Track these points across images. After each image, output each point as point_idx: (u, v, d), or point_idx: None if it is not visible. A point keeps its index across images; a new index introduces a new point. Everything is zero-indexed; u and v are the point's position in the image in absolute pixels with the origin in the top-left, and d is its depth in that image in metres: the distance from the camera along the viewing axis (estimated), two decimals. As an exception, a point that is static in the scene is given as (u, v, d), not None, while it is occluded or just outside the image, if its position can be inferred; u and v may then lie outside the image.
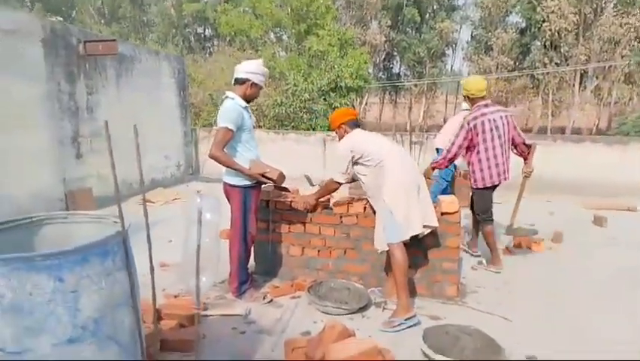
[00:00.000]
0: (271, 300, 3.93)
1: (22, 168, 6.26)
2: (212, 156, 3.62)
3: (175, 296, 3.92)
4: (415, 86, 32.64)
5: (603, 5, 27.35)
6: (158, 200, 7.69)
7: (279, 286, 4.17)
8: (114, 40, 7.57)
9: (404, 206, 3.55)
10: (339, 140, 3.96)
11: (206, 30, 34.17)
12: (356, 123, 3.94)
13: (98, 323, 1.85)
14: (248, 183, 3.75)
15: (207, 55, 24.99)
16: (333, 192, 4.03)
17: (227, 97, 3.78)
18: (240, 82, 3.75)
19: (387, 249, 3.63)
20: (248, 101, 3.82)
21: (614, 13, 26.33)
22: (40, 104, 6.61)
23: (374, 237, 3.75)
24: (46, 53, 6.67)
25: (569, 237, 5.77)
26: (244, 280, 3.94)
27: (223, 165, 3.69)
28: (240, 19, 19.34)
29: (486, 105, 4.64)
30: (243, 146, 3.74)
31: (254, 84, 3.74)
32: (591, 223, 6.57)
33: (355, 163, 3.76)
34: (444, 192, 6.36)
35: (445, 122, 31.88)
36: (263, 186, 4.01)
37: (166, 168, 9.68)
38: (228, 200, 3.85)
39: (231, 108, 3.64)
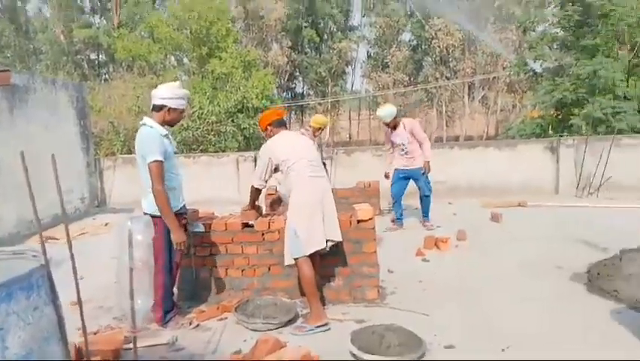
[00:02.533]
0: (198, 325, 3.89)
1: None
2: (156, 191, 3.49)
3: (95, 333, 3.75)
4: (320, 104, 33.53)
5: (484, 22, 30.06)
6: (62, 237, 7.21)
7: (205, 311, 4.12)
8: (7, 70, 7.07)
9: (306, 222, 3.70)
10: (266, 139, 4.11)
11: (100, 56, 32.66)
12: (282, 122, 4.11)
13: (27, 358, 1.79)
14: (174, 210, 3.65)
15: (102, 81, 23.88)
16: (257, 197, 4.18)
17: (144, 124, 3.67)
18: (156, 109, 3.66)
19: (293, 263, 3.78)
20: (170, 126, 3.78)
21: (494, 30, 29.06)
22: None
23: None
24: None
25: (472, 234, 6.27)
26: (169, 309, 3.88)
27: (159, 204, 3.51)
28: (138, 44, 18.79)
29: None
30: (168, 174, 3.62)
31: (172, 109, 3.65)
32: (489, 220, 7.19)
33: (275, 169, 3.94)
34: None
35: (350, 138, 32.76)
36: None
37: (69, 202, 9.10)
38: None
39: (151, 137, 3.55)
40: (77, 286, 2.01)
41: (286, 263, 3.85)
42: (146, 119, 3.70)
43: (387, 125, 6.82)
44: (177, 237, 3.57)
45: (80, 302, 2.03)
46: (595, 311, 3.82)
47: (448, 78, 31.27)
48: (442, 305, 4.10)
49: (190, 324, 3.88)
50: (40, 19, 33.19)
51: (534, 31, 15.20)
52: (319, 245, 3.75)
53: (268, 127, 4.06)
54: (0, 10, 31.22)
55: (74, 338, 3.48)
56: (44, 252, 1.94)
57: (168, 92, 3.64)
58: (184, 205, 3.92)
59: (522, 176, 9.16)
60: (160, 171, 3.49)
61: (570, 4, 14.10)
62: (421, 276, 4.89)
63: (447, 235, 6.11)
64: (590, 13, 13.56)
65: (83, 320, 2.03)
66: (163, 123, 3.68)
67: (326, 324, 3.71)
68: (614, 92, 12.38)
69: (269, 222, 4.26)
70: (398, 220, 7.09)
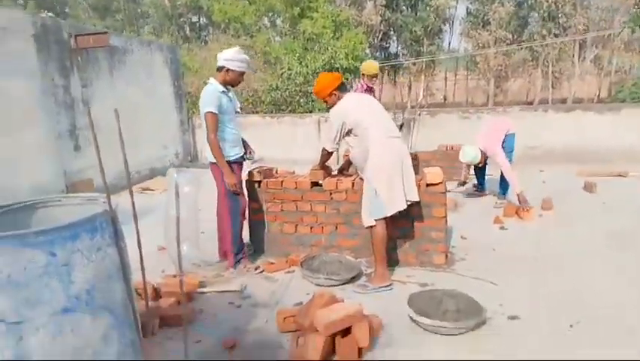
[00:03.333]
0: (263, 270, 4.16)
1: (22, 163, 6.41)
2: (209, 139, 3.92)
3: (174, 276, 4.08)
4: (414, 64, 32.44)
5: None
6: (158, 188, 7.83)
7: (274, 263, 4.32)
8: (105, 32, 7.65)
9: (386, 184, 3.66)
10: (330, 107, 3.94)
11: (201, 19, 33.97)
12: (345, 86, 4.00)
13: (91, 294, 1.98)
14: (228, 160, 3.98)
15: (202, 43, 24.95)
16: (327, 159, 4.22)
17: (206, 83, 4.07)
18: (218, 69, 4.02)
19: (373, 224, 3.74)
20: (232, 86, 4.08)
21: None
22: (36, 100, 6.73)
23: (361, 212, 3.86)
24: (39, 48, 6.77)
25: (559, 204, 5.87)
26: (239, 250, 4.20)
27: (212, 151, 3.95)
28: (233, 6, 19.29)
29: None
30: (223, 127, 3.99)
31: (231, 70, 3.97)
32: (582, 190, 6.66)
33: (346, 133, 3.83)
34: None
35: (445, 99, 31.44)
36: (254, 167, 4.25)
37: (164, 157, 9.81)
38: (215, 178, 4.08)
39: (208, 93, 3.93)
40: (137, 232, 2.18)
41: (366, 225, 3.79)
42: (211, 79, 4.08)
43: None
44: (227, 178, 3.94)
45: (139, 246, 2.21)
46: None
47: (556, 35, 28.68)
48: (514, 276, 3.93)
49: (256, 270, 4.17)
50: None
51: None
52: (401, 206, 3.73)
53: (334, 93, 3.89)
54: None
55: (158, 279, 3.84)
56: (109, 198, 2.12)
57: (229, 55, 3.98)
58: (241, 156, 4.20)
59: (626, 143, 8.32)
60: (213, 121, 3.88)
61: None
62: (495, 245, 4.70)
63: (531, 205, 5.77)
64: None
65: (142, 263, 2.22)
66: (224, 83, 4.02)
67: (389, 285, 3.73)
68: None
69: (336, 182, 4.30)
70: (480, 186, 6.80)
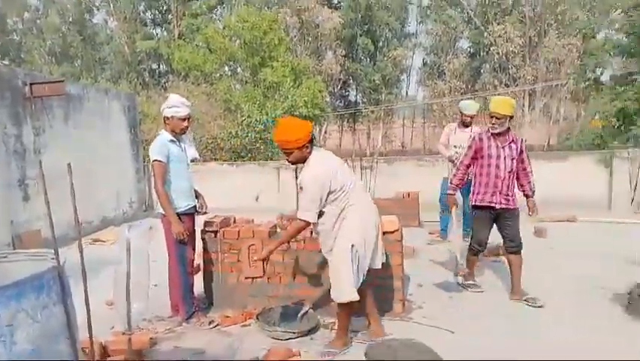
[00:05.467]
0: (217, 325, 4.06)
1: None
2: (156, 190, 3.95)
3: (123, 333, 3.90)
4: (372, 112, 33.39)
5: (546, 28, 28.94)
6: (108, 239, 7.56)
7: (229, 316, 4.21)
8: (62, 80, 7.56)
9: (367, 250, 3.38)
10: (295, 162, 3.42)
11: (161, 66, 34.15)
12: (315, 139, 3.68)
13: (35, 355, 1.90)
14: (177, 211, 3.97)
15: (162, 90, 24.98)
16: (301, 232, 3.61)
17: (157, 134, 4.14)
18: (163, 121, 4.10)
19: (357, 298, 3.36)
20: (178, 133, 4.09)
21: (557, 35, 27.89)
22: (-15, 148, 6.51)
23: (333, 285, 3.44)
24: (-10, 96, 6.61)
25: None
26: (189, 305, 4.10)
27: (159, 200, 3.98)
28: (194, 55, 19.52)
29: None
30: (174, 177, 4.00)
31: (169, 118, 4.01)
32: (533, 235, 6.88)
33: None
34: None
35: (403, 146, 32.13)
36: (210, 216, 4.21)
37: (118, 207, 9.56)
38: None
39: (156, 142, 4.00)
40: (85, 288, 2.11)
41: (346, 299, 3.34)
42: (162, 129, 4.15)
43: (465, 119, 6.50)
44: (174, 228, 3.90)
45: (87, 303, 2.13)
46: (633, 335, 3.58)
47: (507, 86, 30.28)
48: (470, 322, 3.97)
49: (210, 324, 4.05)
50: (106, 30, 35.15)
51: (594, 37, 14.44)
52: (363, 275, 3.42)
53: (306, 145, 3.31)
54: (70, 22, 33.31)
55: (107, 336, 3.67)
56: (57, 254, 2.06)
57: (165, 104, 4.06)
58: (192, 207, 4.17)
59: (572, 190, 8.69)
60: (160, 170, 3.89)
61: (635, 9, 13.28)
62: (452, 291, 4.75)
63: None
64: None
65: (89, 321, 2.13)
66: (171, 131, 4.05)
67: (351, 345, 3.61)
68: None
69: (294, 232, 4.27)
70: (442, 231, 6.86)
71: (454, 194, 4.78)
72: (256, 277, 4.15)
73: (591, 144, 13.24)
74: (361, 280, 3.40)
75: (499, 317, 4.09)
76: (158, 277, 4.29)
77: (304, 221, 3.33)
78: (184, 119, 4.05)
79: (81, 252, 2.25)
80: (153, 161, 3.92)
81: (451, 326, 3.87)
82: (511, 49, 28.45)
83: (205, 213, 4.37)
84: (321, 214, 3.33)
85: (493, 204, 4.51)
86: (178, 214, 3.97)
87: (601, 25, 14.44)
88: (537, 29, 28.98)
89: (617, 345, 3.44)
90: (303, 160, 3.39)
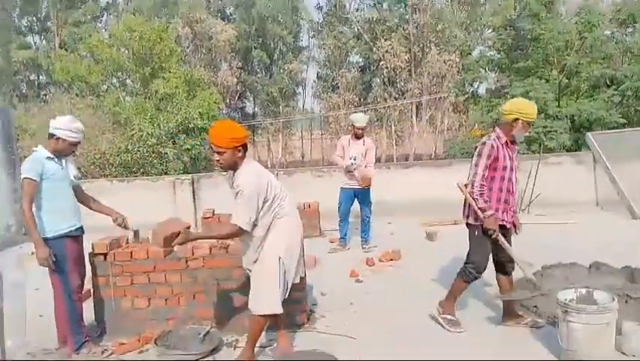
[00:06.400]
0: (112, 353, 3.80)
1: None
2: (22, 210, 3.58)
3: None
4: (271, 124, 33.52)
5: (428, 45, 31.06)
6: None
7: (124, 343, 3.94)
8: None
9: (291, 264, 3.39)
10: (226, 165, 3.32)
11: (40, 77, 31.51)
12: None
13: None
14: (58, 233, 3.68)
15: (42, 103, 23.01)
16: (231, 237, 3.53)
17: (33, 150, 3.81)
18: (49, 137, 3.78)
19: (277, 312, 3.35)
20: (64, 155, 3.83)
21: (438, 52, 30.06)
22: None
23: (253, 297, 3.40)
24: None
25: (406, 253, 6.34)
26: (79, 333, 3.79)
27: (25, 221, 3.62)
28: (77, 65, 18.25)
29: None
30: (53, 197, 3.70)
31: (60, 139, 3.74)
32: (424, 239, 7.30)
33: None
34: None
35: (303, 157, 32.56)
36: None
37: (-7, 231, 8.60)
38: None
39: (30, 159, 3.70)
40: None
41: (261, 312, 3.32)
42: (39, 146, 3.83)
43: (357, 132, 6.69)
44: (38, 253, 3.57)
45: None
46: (515, 328, 3.92)
47: (396, 98, 32.00)
48: (370, 326, 4.10)
49: (103, 353, 3.79)
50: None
51: (470, 54, 15.82)
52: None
53: (239, 149, 3.26)
54: None
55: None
56: None
57: (59, 124, 3.76)
58: (76, 228, 3.84)
59: (458, 194, 9.35)
60: (28, 189, 3.60)
61: (504, 28, 14.77)
62: (352, 298, 4.87)
63: (382, 255, 6.17)
64: (522, 37, 14.26)
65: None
66: (54, 151, 3.75)
67: None
68: (546, 111, 12.99)
69: (192, 249, 4.13)
70: (342, 240, 7.05)
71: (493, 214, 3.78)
72: None
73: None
74: (286, 294, 3.38)
75: (398, 317, 4.26)
76: (43, 307, 3.95)
77: (237, 227, 3.19)
78: (75, 145, 3.83)
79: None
80: (23, 178, 3.60)
81: (352, 331, 3.97)
82: (398, 64, 30.17)
83: (130, 228, 4.11)
84: (253, 226, 3.24)
85: (504, 223, 3.88)
86: (60, 237, 3.66)
87: (476, 42, 15.82)
88: (421, 46, 31.02)
89: (502, 336, 3.74)
90: (234, 166, 3.30)
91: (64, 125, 3.74)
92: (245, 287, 3.89)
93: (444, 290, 4.82)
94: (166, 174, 12.69)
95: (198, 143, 14.14)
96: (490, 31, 17.40)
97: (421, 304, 4.55)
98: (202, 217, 7.36)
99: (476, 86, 15.23)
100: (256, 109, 36.23)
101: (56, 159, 3.76)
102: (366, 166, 6.66)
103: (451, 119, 33.05)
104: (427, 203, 9.34)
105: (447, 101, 31.36)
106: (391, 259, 6.14)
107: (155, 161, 12.78)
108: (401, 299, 4.77)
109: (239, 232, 3.23)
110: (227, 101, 29.69)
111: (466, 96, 16.57)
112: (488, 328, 4.01)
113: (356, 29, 34.42)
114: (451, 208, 9.01)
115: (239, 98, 33.60)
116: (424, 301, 4.62)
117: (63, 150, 3.78)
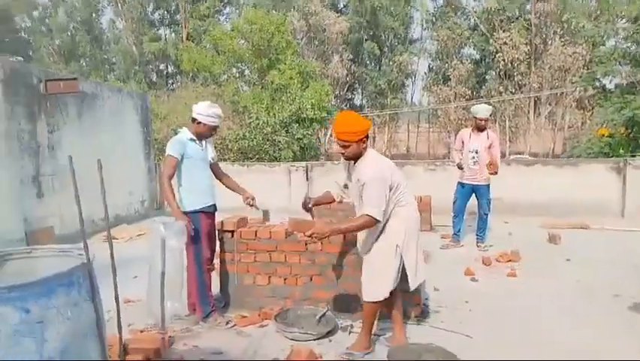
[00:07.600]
0: (234, 325, 4.05)
1: (-20, 209, 6.13)
2: (160, 182, 4.00)
3: (141, 331, 3.90)
4: (378, 116, 33.41)
5: (552, 36, 28.93)
6: (123, 237, 7.59)
7: (246, 316, 4.20)
8: (75, 78, 7.59)
9: (414, 251, 3.39)
10: (350, 157, 3.37)
11: (169, 67, 34.28)
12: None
13: (65, 354, 1.87)
14: (195, 208, 3.98)
15: (170, 91, 25.07)
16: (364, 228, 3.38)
17: (175, 130, 4.21)
18: (192, 120, 4.13)
19: (384, 297, 3.35)
20: (204, 138, 4.16)
21: (562, 43, 27.88)
22: (1, 144, 6.52)
23: (366, 284, 3.41)
24: (6, 92, 6.62)
25: (526, 255, 6.01)
26: (207, 304, 4.10)
27: (163, 193, 4.05)
28: (202, 56, 19.58)
29: None
30: (193, 175, 4.04)
31: (202, 123, 4.06)
32: (546, 242, 6.85)
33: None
34: None
35: (408, 150, 32.32)
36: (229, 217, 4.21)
37: (130, 205, 9.58)
38: None
39: (174, 139, 4.08)
40: (115, 285, 2.10)
41: (374, 299, 3.35)
42: (183, 128, 4.24)
43: (479, 123, 6.46)
44: (177, 218, 3.79)
45: (117, 302, 2.12)
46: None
47: (512, 92, 30.25)
48: (486, 327, 3.95)
49: (227, 324, 4.05)
50: (114, 31, 35.33)
51: (604, 45, 14.43)
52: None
53: (364, 140, 3.31)
54: (78, 21, 33.48)
55: (125, 334, 3.65)
56: (87, 251, 2.04)
57: (201, 108, 4.07)
58: (210, 205, 4.16)
59: (585, 197, 8.67)
60: (168, 164, 3.95)
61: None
62: (467, 296, 4.73)
63: (500, 255, 5.90)
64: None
65: (119, 319, 2.12)
66: (196, 134, 4.10)
67: (371, 353, 3.55)
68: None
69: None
70: (455, 236, 6.84)
71: None
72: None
73: (599, 152, 13.21)
74: (396, 283, 3.39)
75: (516, 320, 4.07)
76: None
77: (371, 217, 3.16)
78: (214, 129, 4.18)
79: (111, 248, 2.25)
80: (166, 155, 4.00)
81: (467, 330, 3.86)
82: (516, 56, 28.44)
83: (259, 208, 4.42)
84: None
85: None
86: (195, 212, 3.98)
87: (608, 33, 14.38)
88: (543, 37, 28.94)
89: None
90: (358, 156, 3.34)
91: (204, 111, 4.06)
92: (359, 274, 3.95)
93: (570, 299, 4.54)
94: (278, 161, 13.22)
95: (309, 133, 14.51)
96: (624, 21, 15.65)
97: (544, 311, 4.32)
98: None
99: (609, 81, 13.86)
100: (363, 101, 36.32)
101: (197, 141, 4.10)
102: (491, 163, 6.35)
103: (574, 117, 30.54)
104: (548, 204, 8.79)
105: (570, 97, 29.03)
106: (510, 260, 5.85)
107: (268, 148, 13.36)
108: (521, 303, 4.53)
109: (372, 223, 3.19)
110: (337, 92, 30.06)
111: (596, 90, 15.15)
112: None
113: (472, 20, 33.01)
114: (576, 211, 8.48)
115: (347, 89, 33.89)
116: (547, 308, 4.39)
117: (203, 133, 4.12)
